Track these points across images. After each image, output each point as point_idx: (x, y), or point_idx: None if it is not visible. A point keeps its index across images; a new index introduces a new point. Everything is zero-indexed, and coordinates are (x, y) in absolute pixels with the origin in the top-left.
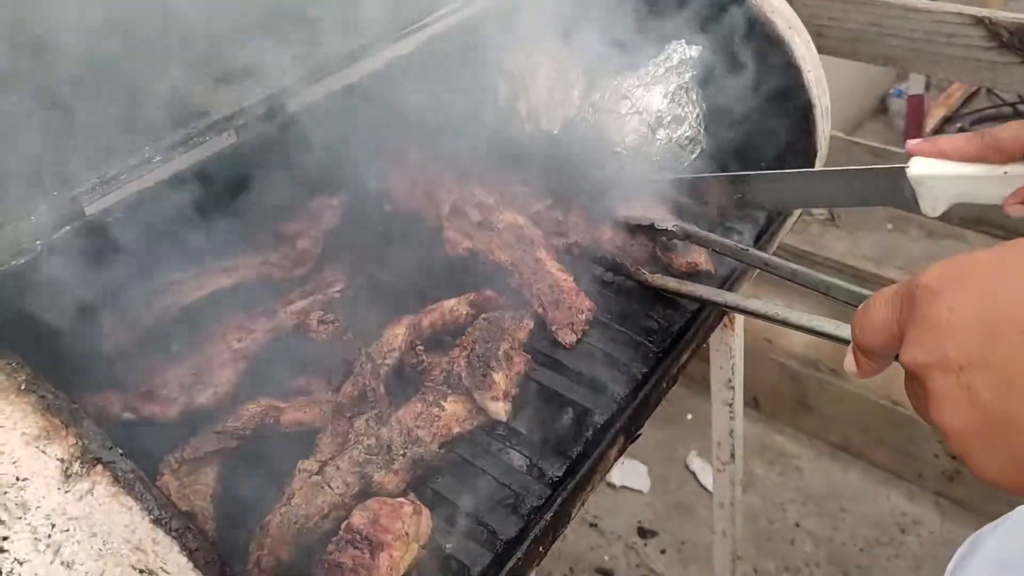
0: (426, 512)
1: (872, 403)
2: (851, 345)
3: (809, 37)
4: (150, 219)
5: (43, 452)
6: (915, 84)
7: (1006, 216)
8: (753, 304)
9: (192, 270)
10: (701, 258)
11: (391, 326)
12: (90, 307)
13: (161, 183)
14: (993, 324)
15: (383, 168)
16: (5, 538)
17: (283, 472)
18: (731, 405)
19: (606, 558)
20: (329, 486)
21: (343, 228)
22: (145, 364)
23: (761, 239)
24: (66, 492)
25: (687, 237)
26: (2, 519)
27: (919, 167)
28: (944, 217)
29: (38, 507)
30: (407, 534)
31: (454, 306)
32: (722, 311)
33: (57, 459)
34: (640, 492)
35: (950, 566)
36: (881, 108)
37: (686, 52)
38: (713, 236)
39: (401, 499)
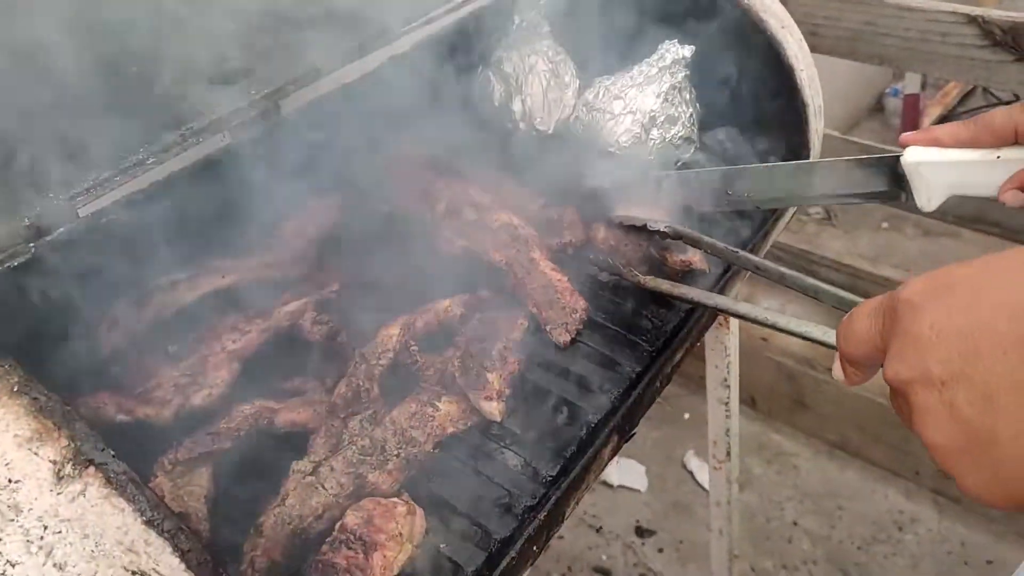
0: (420, 512)
1: (869, 401)
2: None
3: (802, 36)
4: (144, 221)
5: (35, 454)
6: (911, 83)
7: (1001, 204)
8: (743, 308)
9: (187, 271)
10: (696, 257)
11: (385, 326)
12: (84, 309)
13: (155, 185)
14: (974, 339)
15: (378, 168)
16: None
17: (277, 473)
18: (727, 404)
19: (604, 557)
20: (323, 486)
21: (338, 228)
22: (140, 365)
23: (756, 237)
24: (58, 494)
25: (679, 238)
26: None
27: (914, 155)
28: (940, 215)
29: (30, 509)
30: (401, 534)
31: (448, 306)
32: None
33: (49, 461)
34: (638, 491)
35: None
36: (877, 107)
37: (679, 52)
38: (705, 238)
39: (395, 499)
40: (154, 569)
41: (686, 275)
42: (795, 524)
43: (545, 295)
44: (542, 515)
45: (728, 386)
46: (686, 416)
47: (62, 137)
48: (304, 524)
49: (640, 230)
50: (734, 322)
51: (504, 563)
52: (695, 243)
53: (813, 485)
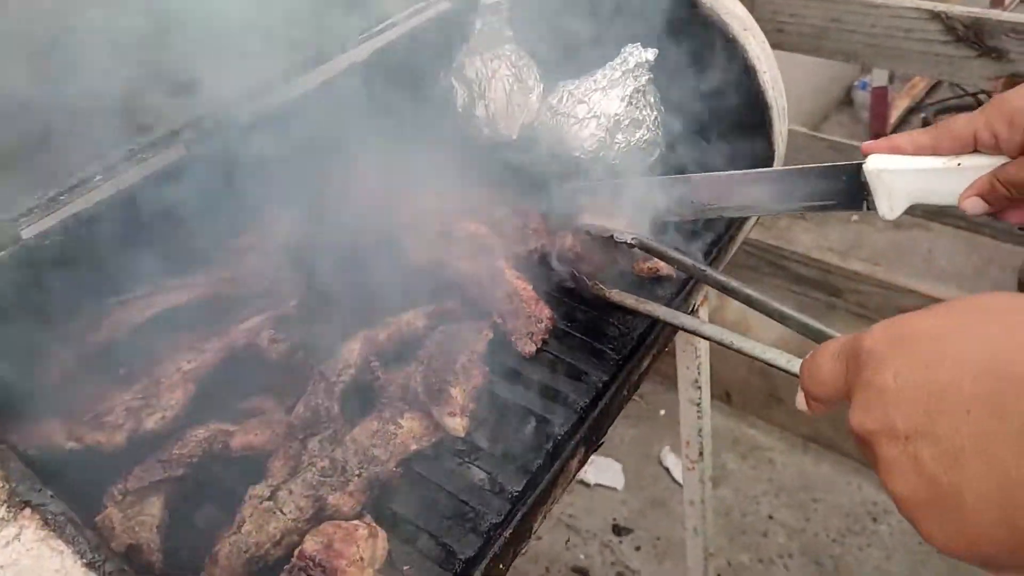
0: (382, 534)
1: None
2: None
3: (764, 38)
4: (95, 239)
5: None
6: (879, 76)
7: (962, 212)
8: (709, 329)
9: (141, 289)
10: (662, 263)
11: (347, 341)
12: (32, 333)
13: (105, 201)
14: (936, 396)
15: (339, 178)
16: None
17: (234, 498)
18: (699, 404)
19: (582, 557)
20: (281, 511)
21: (298, 241)
22: (91, 389)
23: (721, 241)
24: None
25: (645, 249)
26: None
27: (875, 162)
28: (908, 209)
29: None
30: (362, 558)
31: (411, 319)
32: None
33: None
34: (615, 489)
35: None
36: (847, 100)
37: (642, 55)
38: (672, 252)
39: (356, 522)
40: None
41: (654, 281)
42: (770, 518)
43: (510, 304)
44: (508, 532)
45: (699, 387)
46: (662, 413)
47: (5, 154)
48: (262, 552)
49: (607, 239)
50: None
51: None
52: (661, 256)
53: (788, 479)
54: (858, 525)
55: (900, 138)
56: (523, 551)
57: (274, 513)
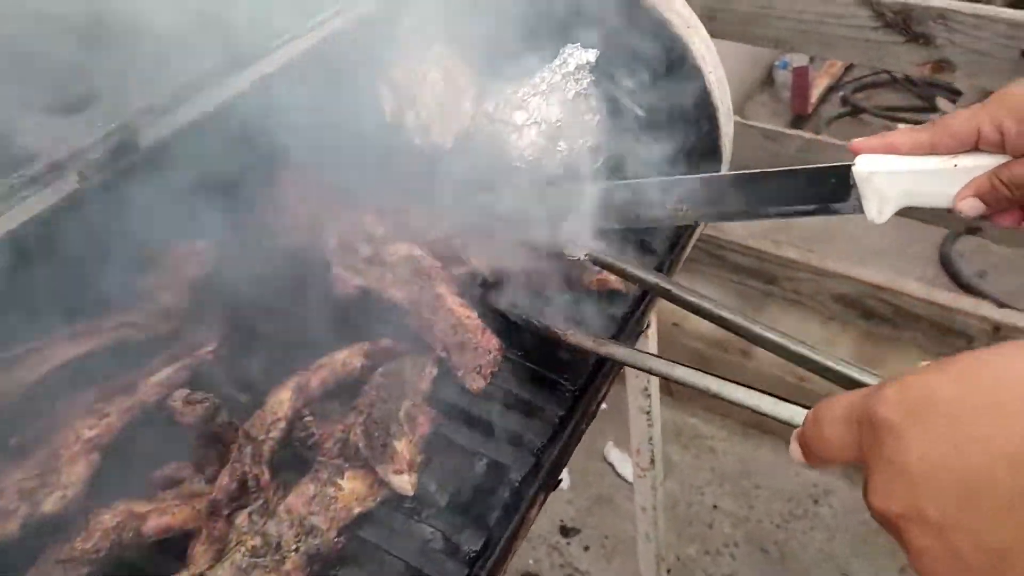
0: None
1: (778, 379)
2: (796, 434)
3: (707, 34)
4: None
5: None
6: (799, 56)
7: (958, 213)
8: (681, 372)
9: (31, 343)
10: (612, 277)
11: (274, 391)
12: None
13: None
14: (971, 486)
15: (257, 202)
16: None
17: None
18: (648, 412)
19: (531, 562)
20: None
21: (213, 275)
22: None
23: (674, 252)
24: None
25: (598, 264)
26: None
27: (866, 164)
28: None
29: None
30: None
31: (346, 358)
32: (637, 332)
33: None
34: (560, 490)
35: None
36: (767, 80)
37: (582, 57)
38: (628, 267)
39: None
40: None
41: (604, 296)
42: (715, 508)
43: (454, 336)
44: None
45: (649, 395)
46: (603, 407)
47: None
48: None
49: (555, 255)
50: (652, 331)
51: None
52: (617, 272)
53: (730, 466)
54: (800, 509)
55: (896, 136)
56: None
57: None
